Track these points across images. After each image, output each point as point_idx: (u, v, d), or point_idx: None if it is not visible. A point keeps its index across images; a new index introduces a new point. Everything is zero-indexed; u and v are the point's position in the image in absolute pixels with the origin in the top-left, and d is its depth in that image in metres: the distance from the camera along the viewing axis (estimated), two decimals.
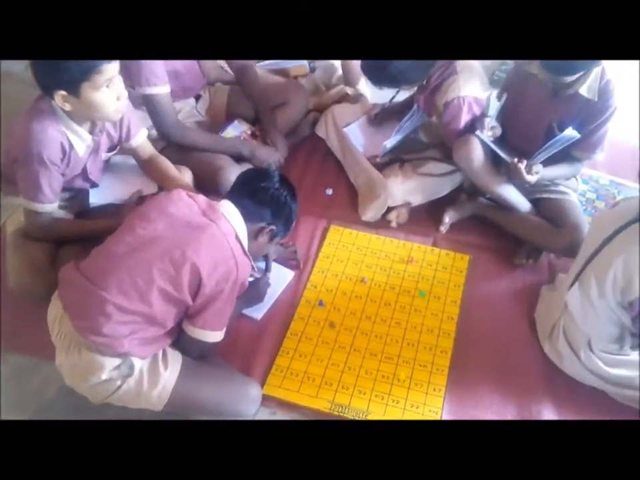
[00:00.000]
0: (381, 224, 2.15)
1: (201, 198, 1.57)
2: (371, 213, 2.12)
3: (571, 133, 1.82)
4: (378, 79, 1.95)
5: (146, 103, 1.96)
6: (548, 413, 1.64)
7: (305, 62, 2.49)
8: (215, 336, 1.55)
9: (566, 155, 1.96)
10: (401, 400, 1.66)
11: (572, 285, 1.65)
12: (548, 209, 2.03)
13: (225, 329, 1.57)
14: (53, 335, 1.54)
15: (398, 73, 1.86)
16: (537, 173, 1.87)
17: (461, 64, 1.93)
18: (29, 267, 1.74)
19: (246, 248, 1.55)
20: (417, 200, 2.11)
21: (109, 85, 1.57)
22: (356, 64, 2.41)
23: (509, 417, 1.63)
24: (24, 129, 1.62)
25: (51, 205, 1.72)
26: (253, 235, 1.59)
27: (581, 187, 2.21)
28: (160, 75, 1.92)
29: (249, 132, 2.27)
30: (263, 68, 2.44)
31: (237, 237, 1.52)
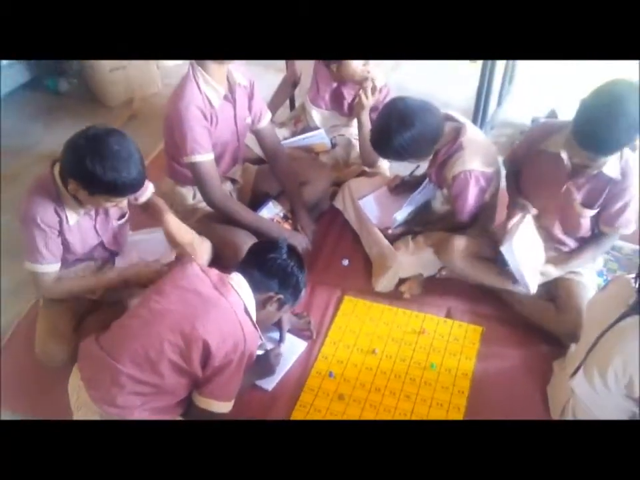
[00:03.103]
0: (395, 294, 2.19)
1: (213, 272, 1.66)
2: (382, 284, 2.17)
3: None
4: (384, 153, 2.04)
5: (192, 171, 2.10)
6: None
7: (327, 139, 2.61)
8: (222, 407, 1.59)
9: (592, 232, 1.95)
10: None
11: (576, 371, 1.63)
12: (555, 288, 2.00)
13: (232, 401, 1.62)
14: (71, 404, 1.64)
15: (401, 148, 1.93)
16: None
17: (466, 140, 1.99)
18: (53, 333, 1.86)
19: (254, 318, 1.62)
20: (428, 272, 2.14)
21: (118, 204, 1.76)
22: None
23: None
24: (25, 197, 1.75)
25: (50, 266, 1.80)
26: (261, 304, 1.66)
27: (602, 257, 2.18)
28: (204, 144, 2.04)
29: (282, 214, 2.38)
30: (287, 145, 2.57)
31: (245, 310, 1.59)
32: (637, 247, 2.34)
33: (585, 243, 1.99)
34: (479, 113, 2.88)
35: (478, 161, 1.98)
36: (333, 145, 2.68)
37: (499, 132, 3.08)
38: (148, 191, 2.03)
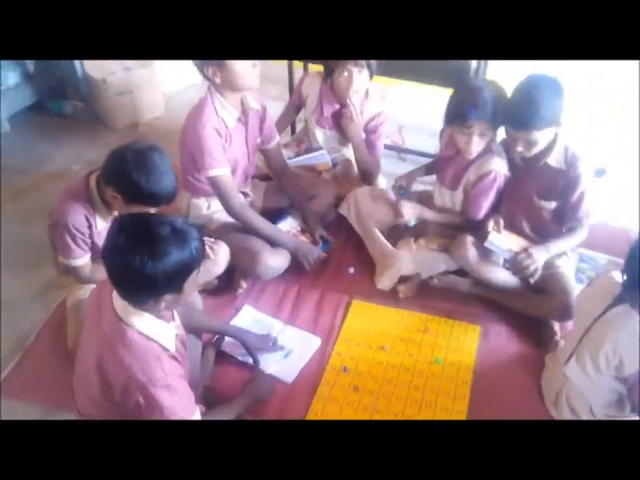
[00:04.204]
0: (399, 299, 2.38)
1: (107, 301, 1.45)
2: (384, 282, 2.38)
3: None
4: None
5: (211, 184, 2.28)
6: None
7: (329, 159, 2.83)
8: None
9: (559, 230, 2.21)
10: None
11: (569, 359, 1.84)
12: (545, 281, 2.20)
13: (189, 414, 1.48)
14: None
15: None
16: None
17: (495, 145, 2.23)
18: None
19: (151, 333, 1.43)
20: (426, 272, 2.36)
21: None
22: (373, 166, 2.74)
23: None
24: (58, 203, 1.92)
25: (81, 259, 1.98)
26: (153, 308, 1.43)
27: (581, 265, 2.44)
28: (219, 159, 2.22)
29: (298, 229, 2.57)
30: (291, 165, 2.77)
31: (138, 332, 1.41)
32: (611, 257, 2.60)
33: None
34: None
35: (503, 164, 2.22)
36: (334, 164, 2.90)
37: None
38: None
